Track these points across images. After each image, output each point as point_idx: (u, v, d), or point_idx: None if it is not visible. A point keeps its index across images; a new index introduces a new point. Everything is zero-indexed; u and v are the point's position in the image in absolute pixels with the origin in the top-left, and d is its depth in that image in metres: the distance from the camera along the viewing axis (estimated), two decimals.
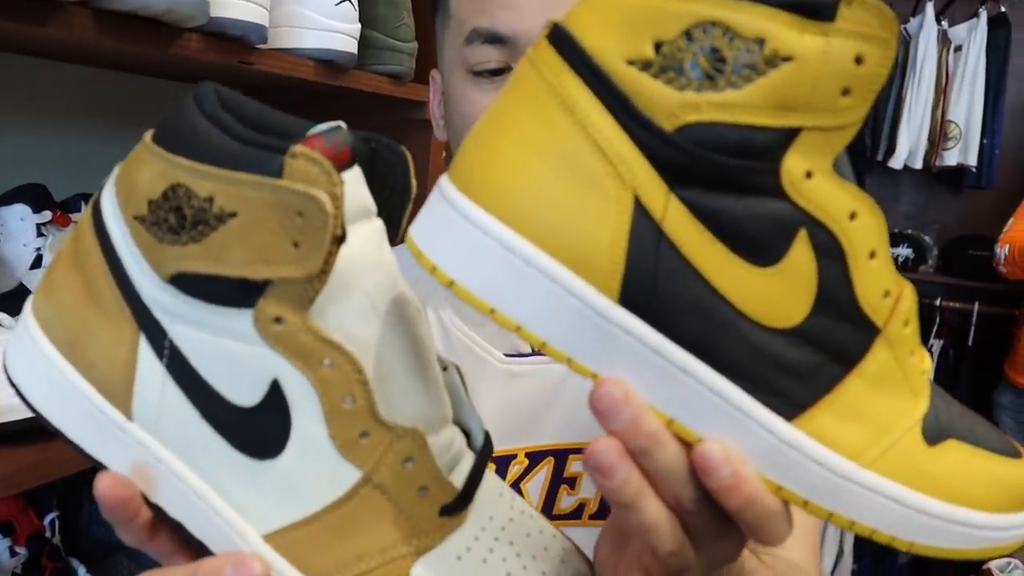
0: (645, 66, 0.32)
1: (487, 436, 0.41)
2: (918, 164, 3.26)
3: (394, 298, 0.37)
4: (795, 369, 0.34)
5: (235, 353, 0.35)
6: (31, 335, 0.39)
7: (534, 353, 0.72)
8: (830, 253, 0.33)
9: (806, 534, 0.67)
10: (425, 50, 1.17)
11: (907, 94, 3.22)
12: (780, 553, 0.63)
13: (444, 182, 0.36)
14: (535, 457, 0.71)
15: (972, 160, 3.18)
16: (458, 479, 0.38)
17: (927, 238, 3.40)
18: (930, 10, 3.18)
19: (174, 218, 0.34)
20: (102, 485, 0.36)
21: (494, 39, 0.65)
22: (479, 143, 0.36)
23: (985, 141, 3.18)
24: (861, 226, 0.33)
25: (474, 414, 0.41)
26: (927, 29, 3.19)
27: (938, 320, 3.27)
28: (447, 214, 0.35)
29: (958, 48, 3.21)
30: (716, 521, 0.36)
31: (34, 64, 1.02)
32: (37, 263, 0.88)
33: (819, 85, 0.32)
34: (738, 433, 0.34)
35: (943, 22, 3.22)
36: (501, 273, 0.33)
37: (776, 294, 0.33)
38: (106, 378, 0.37)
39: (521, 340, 0.57)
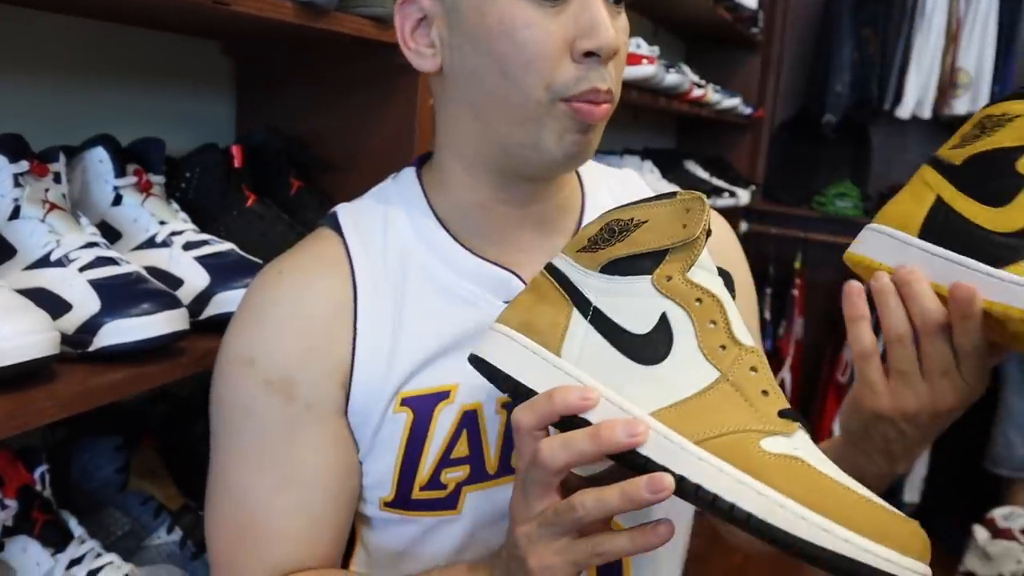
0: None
1: None
2: (926, 114, 3.20)
3: (718, 269, 0.61)
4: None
5: (638, 303, 0.59)
6: (497, 331, 0.63)
7: None
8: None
9: None
10: None
11: (915, 41, 3.16)
12: None
13: None
14: None
15: None
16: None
17: None
18: None
19: (607, 235, 0.62)
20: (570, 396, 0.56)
21: None
22: None
23: (996, 88, 3.12)
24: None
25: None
26: None
27: None
28: None
29: None
30: (943, 355, 0.62)
31: (8, 13, 1.00)
32: (15, 214, 0.87)
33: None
34: None
35: None
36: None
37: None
38: (546, 336, 0.61)
39: (516, 284, 0.74)
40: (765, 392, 0.56)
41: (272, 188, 1.18)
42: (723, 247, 0.85)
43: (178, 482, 1.09)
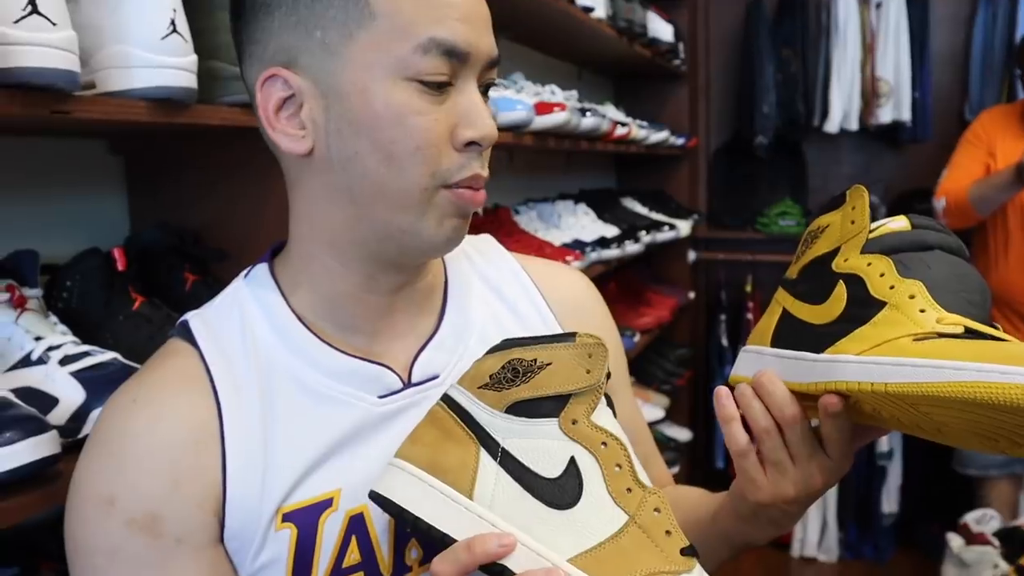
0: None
1: None
2: (854, 125, 3.25)
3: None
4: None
5: (547, 446, 0.62)
6: (400, 467, 0.63)
7: (407, 386, 0.73)
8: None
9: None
10: None
11: (834, 56, 3.21)
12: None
13: None
14: None
15: (906, 115, 3.17)
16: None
17: (874, 198, 3.38)
18: None
19: (511, 375, 0.64)
20: (488, 544, 0.58)
21: (452, 53, 0.64)
22: None
23: (916, 94, 3.18)
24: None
25: None
26: None
27: None
28: None
29: (879, 5, 3.20)
30: (806, 440, 0.69)
31: None
32: None
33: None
34: None
35: None
36: None
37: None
38: (456, 477, 0.62)
39: (389, 377, 0.72)
40: (668, 532, 0.60)
41: (167, 286, 1.14)
42: (586, 308, 0.86)
43: None
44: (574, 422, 0.62)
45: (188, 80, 0.93)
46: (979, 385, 0.55)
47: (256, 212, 1.20)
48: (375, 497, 0.63)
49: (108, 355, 0.94)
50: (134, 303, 1.05)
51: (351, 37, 0.64)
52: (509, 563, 0.58)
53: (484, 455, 0.62)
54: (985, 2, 3.16)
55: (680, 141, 3.20)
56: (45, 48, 0.77)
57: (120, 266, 1.06)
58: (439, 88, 0.65)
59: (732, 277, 3.55)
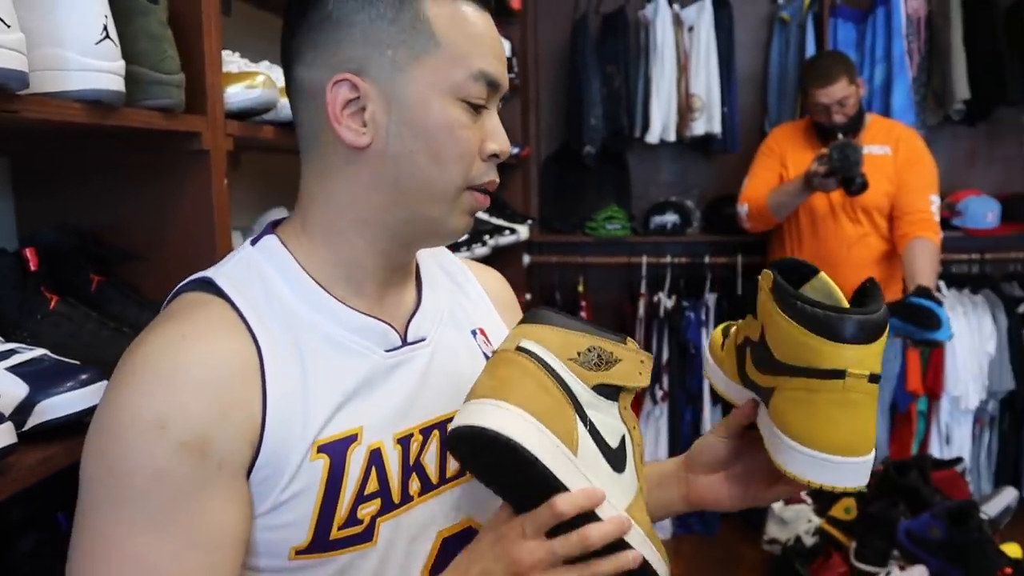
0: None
1: None
2: (672, 136, 3.54)
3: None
4: None
5: (611, 423, 0.80)
6: (506, 409, 0.74)
7: (404, 343, 0.86)
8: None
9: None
10: (194, 80, 1.17)
11: (653, 74, 3.50)
12: None
13: None
14: (426, 432, 0.86)
15: (717, 128, 3.50)
16: None
17: (689, 203, 3.71)
18: None
19: (596, 359, 0.80)
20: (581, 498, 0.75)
21: (492, 83, 0.82)
22: None
23: (725, 110, 3.52)
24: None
25: None
26: (662, 13, 3.47)
27: (709, 276, 3.59)
28: None
29: (691, 28, 3.52)
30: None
31: None
32: None
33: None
34: None
35: (674, 5, 3.52)
36: None
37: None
38: (565, 434, 0.76)
39: (392, 335, 0.85)
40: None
41: (71, 287, 1.15)
42: (507, 300, 1.05)
43: None
44: (625, 408, 0.81)
45: (118, 84, 0.97)
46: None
47: (162, 217, 1.23)
48: (479, 431, 0.73)
49: (37, 351, 0.96)
50: (50, 302, 1.06)
51: (417, 59, 0.78)
52: (600, 512, 0.75)
53: (577, 419, 0.77)
54: (779, 30, 3.56)
55: (515, 150, 3.37)
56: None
57: (32, 266, 1.07)
58: (477, 109, 0.81)
59: (565, 279, 3.77)
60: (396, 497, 0.83)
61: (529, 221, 3.50)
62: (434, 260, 0.97)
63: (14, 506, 1.13)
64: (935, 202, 2.74)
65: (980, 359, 3.30)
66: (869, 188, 2.54)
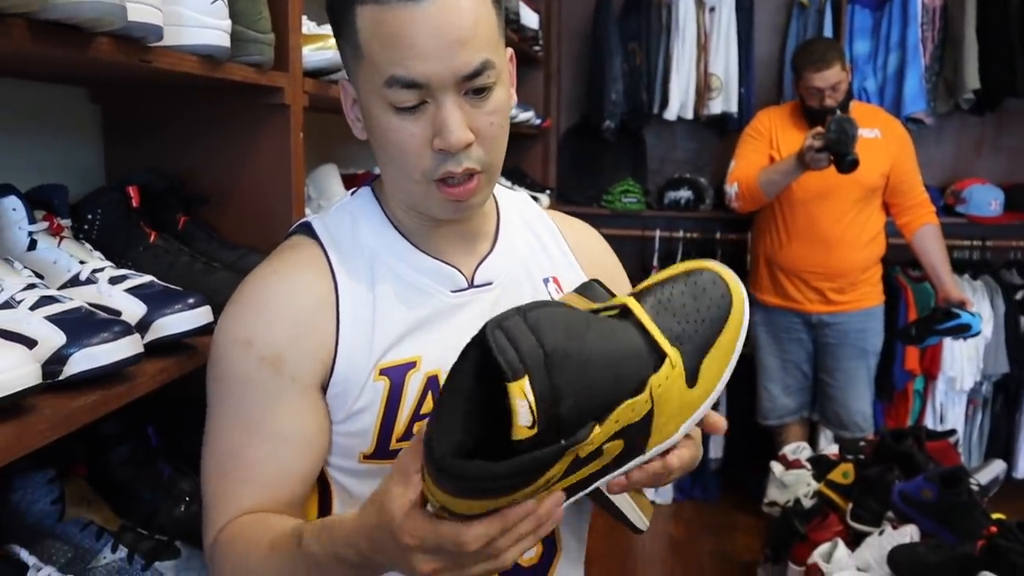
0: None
1: None
2: (689, 114, 3.65)
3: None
4: None
5: None
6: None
7: (470, 286, 0.95)
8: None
9: None
10: (280, 39, 1.27)
11: (674, 52, 3.59)
12: None
13: None
14: None
15: (733, 108, 3.61)
16: None
17: (703, 180, 3.82)
18: None
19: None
20: None
21: (411, 85, 0.82)
22: None
23: (742, 90, 3.62)
24: None
25: None
26: None
27: (719, 252, 3.70)
28: None
29: (712, 9, 3.61)
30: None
31: None
32: None
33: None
34: None
35: None
36: None
37: None
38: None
39: (459, 278, 0.92)
40: None
41: (161, 224, 1.26)
42: (596, 254, 1.08)
43: (111, 506, 1.16)
44: None
45: (226, 40, 1.08)
46: None
47: (241, 164, 1.34)
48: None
49: (146, 277, 1.07)
50: (150, 236, 1.18)
51: (357, 69, 0.87)
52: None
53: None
54: (798, 14, 3.65)
55: (538, 121, 3.47)
56: (146, 6, 0.90)
57: (135, 203, 1.18)
58: (411, 110, 0.83)
59: None
60: None
61: (548, 191, 3.61)
62: (516, 210, 1.03)
63: (109, 419, 1.25)
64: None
65: (977, 343, 3.42)
66: (861, 167, 2.58)
